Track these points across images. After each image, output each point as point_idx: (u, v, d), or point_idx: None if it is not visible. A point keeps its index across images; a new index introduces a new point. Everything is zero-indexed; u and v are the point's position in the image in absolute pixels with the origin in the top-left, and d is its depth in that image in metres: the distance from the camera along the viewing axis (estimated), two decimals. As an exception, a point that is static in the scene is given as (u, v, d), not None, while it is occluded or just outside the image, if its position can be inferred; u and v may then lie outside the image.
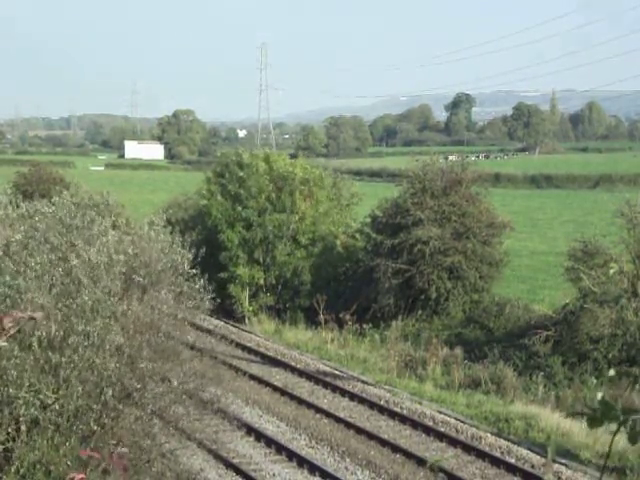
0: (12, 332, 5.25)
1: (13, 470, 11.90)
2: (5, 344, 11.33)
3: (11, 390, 11.97)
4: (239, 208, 37.45)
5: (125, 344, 13.22)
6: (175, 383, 14.50)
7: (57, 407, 12.36)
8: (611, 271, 15.38)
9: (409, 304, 33.17)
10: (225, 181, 38.58)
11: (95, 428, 12.43)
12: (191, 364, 15.75)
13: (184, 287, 16.43)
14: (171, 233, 17.99)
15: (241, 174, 37.94)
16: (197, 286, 16.70)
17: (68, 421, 12.34)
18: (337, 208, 40.31)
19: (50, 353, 12.50)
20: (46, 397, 12.32)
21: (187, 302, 16.24)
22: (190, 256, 17.24)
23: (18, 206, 19.12)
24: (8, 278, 13.19)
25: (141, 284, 15.27)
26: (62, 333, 12.66)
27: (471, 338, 30.72)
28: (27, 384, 12.07)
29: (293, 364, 29.74)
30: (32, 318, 5.79)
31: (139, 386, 13.48)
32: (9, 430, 12.07)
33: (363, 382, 27.47)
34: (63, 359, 12.50)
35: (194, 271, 17.04)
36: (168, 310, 15.48)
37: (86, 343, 12.77)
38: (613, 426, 2.73)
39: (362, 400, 25.79)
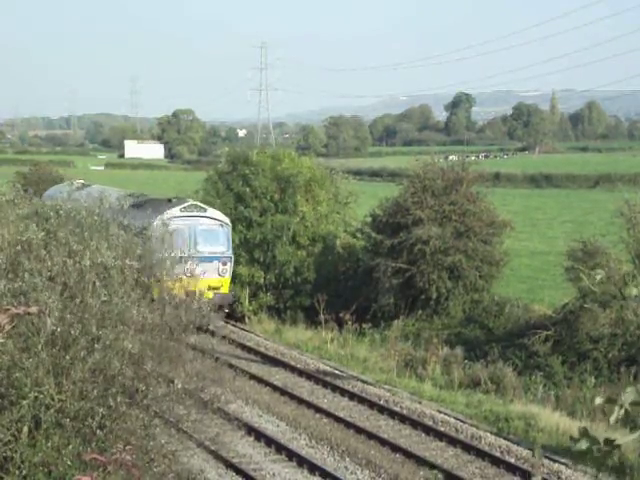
0: (7, 328, 5.26)
1: (15, 471, 11.93)
2: (1, 340, 11.39)
3: (16, 390, 12.00)
4: (241, 208, 37.48)
5: (132, 346, 13.25)
6: (178, 384, 14.52)
7: (60, 408, 12.39)
8: (597, 277, 15.39)
9: (409, 304, 33.18)
10: (230, 179, 38.59)
11: (97, 431, 12.45)
12: (193, 365, 15.77)
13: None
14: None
15: (247, 172, 37.98)
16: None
17: (71, 422, 12.36)
18: (336, 207, 40.30)
19: (59, 354, 12.54)
20: (50, 398, 12.34)
21: (190, 304, 16.26)
22: None
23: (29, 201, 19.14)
24: (27, 276, 13.24)
25: (147, 285, 15.31)
26: (74, 333, 12.69)
27: (471, 338, 30.74)
28: (31, 385, 12.09)
29: (293, 364, 29.76)
30: (28, 313, 5.79)
31: (143, 388, 13.51)
32: (12, 431, 12.09)
33: (363, 382, 27.49)
34: (72, 360, 12.53)
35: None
36: (173, 311, 15.51)
37: (97, 345, 12.81)
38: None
39: (362, 400, 25.81)
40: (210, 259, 31.65)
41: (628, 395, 2.91)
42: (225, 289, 32.29)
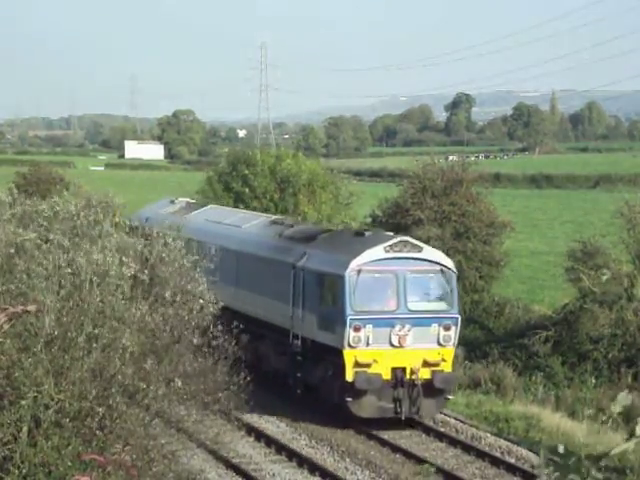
0: (6, 327, 5.27)
1: (15, 471, 11.93)
2: (0, 340, 11.39)
3: (15, 390, 12.00)
4: (241, 207, 37.51)
5: (131, 345, 13.26)
6: (178, 384, 14.52)
7: (60, 408, 12.39)
8: (603, 278, 15.17)
9: (409, 304, 33.14)
10: (229, 179, 38.65)
11: (97, 432, 12.45)
12: (193, 365, 15.77)
13: (188, 288, 16.47)
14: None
15: (246, 172, 38.02)
16: (200, 289, 16.76)
17: (70, 422, 12.36)
18: (337, 208, 40.33)
19: (57, 354, 12.54)
20: (50, 398, 12.34)
21: (191, 304, 16.28)
22: (196, 258, 17.33)
23: (20, 204, 19.19)
24: (23, 277, 13.27)
25: (146, 285, 15.31)
26: (70, 334, 12.70)
27: (471, 338, 30.74)
28: (31, 385, 12.09)
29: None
30: (26, 311, 5.79)
31: (144, 387, 13.51)
32: (12, 431, 12.09)
33: (363, 382, 27.40)
34: (71, 360, 12.54)
35: (197, 274, 17.11)
36: (173, 312, 15.52)
37: (95, 345, 12.81)
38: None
39: (362, 400, 25.71)
40: (426, 321, 22.08)
41: (620, 399, 2.92)
42: (448, 366, 22.25)
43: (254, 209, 37.32)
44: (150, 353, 14.20)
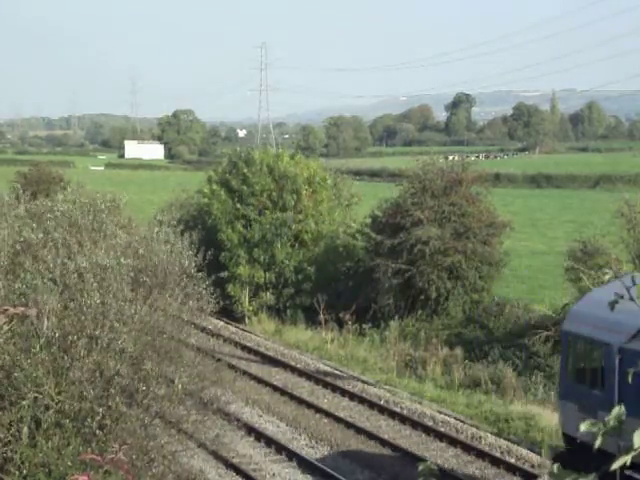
0: (5, 328, 5.27)
1: (15, 471, 11.93)
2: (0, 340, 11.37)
3: (16, 390, 11.99)
4: (239, 205, 37.60)
5: (131, 346, 13.26)
6: (178, 385, 14.52)
7: (60, 408, 12.38)
8: (606, 277, 15.12)
9: (409, 304, 33.17)
10: (229, 178, 38.73)
11: (97, 431, 12.45)
12: (193, 366, 15.77)
13: (189, 290, 16.47)
14: (182, 234, 18.02)
15: (245, 171, 38.11)
16: (202, 290, 16.75)
17: (70, 422, 12.36)
18: (338, 208, 40.38)
19: (58, 354, 12.54)
20: (50, 398, 12.34)
21: (192, 304, 16.27)
22: (197, 260, 17.32)
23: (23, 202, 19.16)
24: (28, 277, 13.25)
25: (147, 286, 15.31)
26: (71, 336, 12.69)
27: (471, 338, 30.73)
28: (31, 385, 12.09)
29: (293, 364, 29.76)
30: (25, 315, 5.79)
31: (143, 387, 13.52)
32: (11, 431, 12.09)
33: (363, 382, 27.50)
34: (71, 360, 12.53)
35: (200, 275, 17.10)
36: (173, 312, 15.52)
37: (95, 345, 12.81)
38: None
39: (362, 400, 25.81)
40: None
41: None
42: None
43: (253, 206, 37.35)
44: (151, 353, 14.19)
